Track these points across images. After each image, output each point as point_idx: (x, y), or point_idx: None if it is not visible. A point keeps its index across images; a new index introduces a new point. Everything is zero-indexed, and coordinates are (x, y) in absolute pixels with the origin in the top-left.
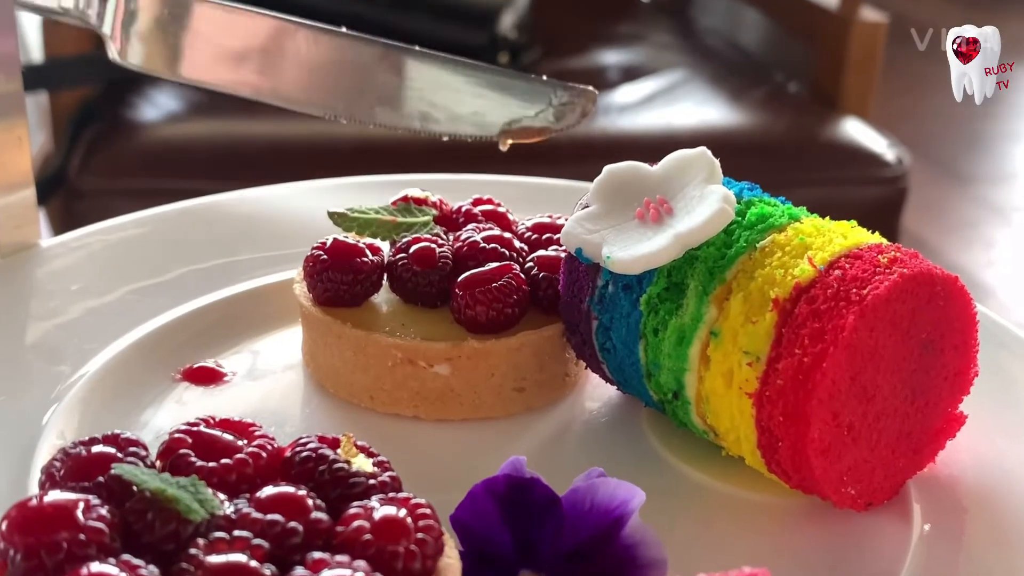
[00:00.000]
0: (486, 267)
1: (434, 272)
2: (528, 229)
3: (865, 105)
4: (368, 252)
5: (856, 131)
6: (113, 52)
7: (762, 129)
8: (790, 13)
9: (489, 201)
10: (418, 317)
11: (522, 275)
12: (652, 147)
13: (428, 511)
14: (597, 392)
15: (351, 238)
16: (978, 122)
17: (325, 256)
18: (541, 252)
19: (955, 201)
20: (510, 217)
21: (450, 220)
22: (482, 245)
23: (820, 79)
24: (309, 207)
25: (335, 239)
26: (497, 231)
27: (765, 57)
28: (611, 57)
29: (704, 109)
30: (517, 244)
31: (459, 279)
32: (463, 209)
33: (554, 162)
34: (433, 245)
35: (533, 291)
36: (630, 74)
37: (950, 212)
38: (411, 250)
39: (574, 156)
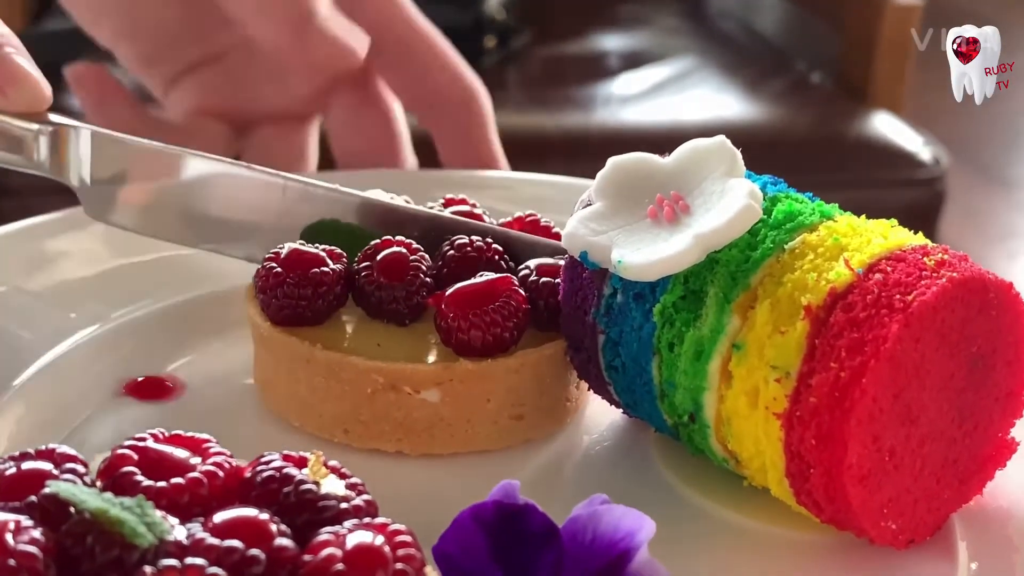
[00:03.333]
0: (478, 279)
1: (401, 287)
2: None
3: (897, 98)
4: (328, 260)
5: (887, 127)
6: (85, 207)
7: (782, 124)
8: None
9: (463, 201)
10: (394, 335)
11: (521, 291)
12: (657, 143)
13: (408, 539)
14: (598, 417)
15: (307, 245)
16: None
17: (279, 268)
18: (539, 261)
19: (999, 208)
20: (486, 219)
21: None
22: (477, 244)
23: (847, 68)
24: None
25: (291, 247)
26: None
27: (785, 43)
28: (611, 42)
29: (716, 101)
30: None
31: (447, 293)
32: (432, 210)
33: (544, 159)
34: (404, 251)
35: (532, 303)
36: (632, 61)
37: (993, 220)
38: (378, 258)
39: (567, 153)
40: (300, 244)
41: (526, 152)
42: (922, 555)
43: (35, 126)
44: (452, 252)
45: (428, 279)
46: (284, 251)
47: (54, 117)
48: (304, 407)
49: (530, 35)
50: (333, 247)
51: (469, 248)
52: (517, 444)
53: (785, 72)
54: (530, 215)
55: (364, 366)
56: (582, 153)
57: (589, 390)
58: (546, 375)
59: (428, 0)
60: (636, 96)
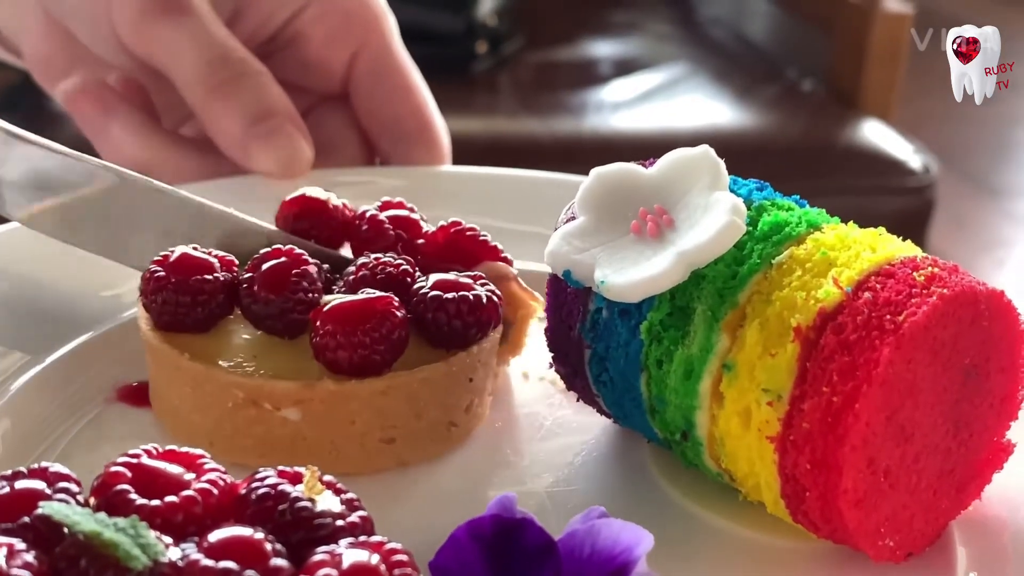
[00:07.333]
0: (359, 296)
1: (277, 302)
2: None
3: (888, 106)
4: (217, 266)
5: (877, 135)
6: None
7: (772, 131)
8: (804, 1)
9: (400, 205)
10: (277, 349)
11: (399, 313)
12: (648, 150)
13: (405, 557)
14: (587, 421)
15: (199, 251)
16: (1015, 128)
17: (162, 272)
18: (440, 276)
19: (987, 216)
20: (422, 224)
21: (353, 228)
22: (387, 265)
23: (837, 76)
24: (270, 195)
25: (181, 251)
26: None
27: (776, 50)
28: (603, 48)
29: (707, 108)
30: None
31: (325, 309)
32: (367, 215)
33: (536, 165)
34: (287, 262)
35: (421, 318)
36: (624, 68)
37: (982, 228)
38: (261, 268)
39: (559, 158)
40: (192, 249)
41: (517, 158)
42: (921, 565)
43: None
44: (364, 261)
45: (312, 294)
46: (173, 255)
47: None
48: (176, 416)
49: (522, 41)
50: (228, 254)
51: (378, 263)
52: (391, 468)
53: (776, 79)
54: (454, 223)
55: (225, 380)
56: (573, 159)
57: (579, 400)
58: (421, 398)
59: (420, 6)
60: (627, 103)
